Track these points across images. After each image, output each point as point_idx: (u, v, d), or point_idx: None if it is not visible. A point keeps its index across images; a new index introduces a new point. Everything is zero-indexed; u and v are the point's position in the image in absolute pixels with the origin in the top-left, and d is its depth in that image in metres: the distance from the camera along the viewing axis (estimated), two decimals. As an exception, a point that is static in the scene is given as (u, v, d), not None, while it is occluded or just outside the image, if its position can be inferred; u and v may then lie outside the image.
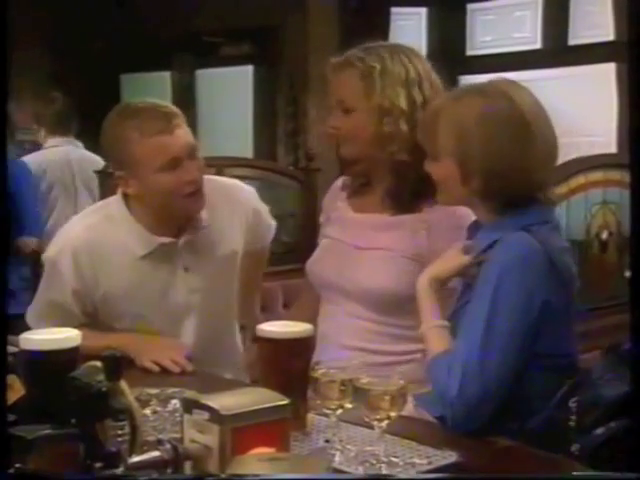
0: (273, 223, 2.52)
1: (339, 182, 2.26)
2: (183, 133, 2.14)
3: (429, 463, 1.46)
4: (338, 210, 2.19)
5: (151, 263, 2.21)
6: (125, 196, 2.23)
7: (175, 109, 2.18)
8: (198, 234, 2.24)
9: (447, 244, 1.87)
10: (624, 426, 1.55)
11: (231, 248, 2.32)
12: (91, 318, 2.23)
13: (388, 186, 2.07)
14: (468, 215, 1.87)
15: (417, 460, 1.47)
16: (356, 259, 2.07)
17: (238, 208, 2.35)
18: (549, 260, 1.68)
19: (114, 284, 2.20)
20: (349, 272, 2.06)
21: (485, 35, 5.36)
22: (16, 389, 1.44)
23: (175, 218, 2.22)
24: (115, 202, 2.26)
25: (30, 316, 2.26)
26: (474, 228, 1.85)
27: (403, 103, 2.00)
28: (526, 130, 1.72)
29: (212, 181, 2.29)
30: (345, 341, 2.05)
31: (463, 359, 1.64)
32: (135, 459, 1.20)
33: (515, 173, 1.71)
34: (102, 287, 2.19)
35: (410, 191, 2.04)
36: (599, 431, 1.58)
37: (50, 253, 2.23)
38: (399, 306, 2.00)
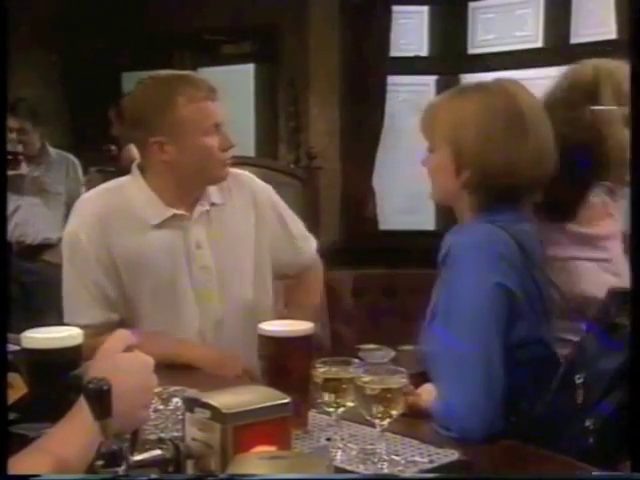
0: (309, 236, 2.52)
1: None
2: (221, 105, 2.26)
3: (430, 462, 1.47)
4: None
5: (164, 235, 2.24)
6: (141, 169, 2.28)
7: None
8: (211, 210, 2.28)
9: None
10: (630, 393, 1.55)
11: (244, 230, 2.34)
12: (126, 301, 2.24)
13: None
14: None
15: (418, 459, 1.48)
16: None
17: (252, 196, 2.37)
18: (517, 244, 1.70)
19: (129, 251, 2.21)
20: None
21: (487, 33, 5.36)
22: (17, 387, 1.44)
23: (196, 188, 2.26)
24: (131, 175, 2.30)
25: (68, 312, 2.25)
26: None
27: None
28: (521, 127, 1.74)
29: None
30: None
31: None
32: (136, 457, 1.20)
33: (506, 167, 1.73)
34: (120, 254, 2.21)
35: None
36: (609, 399, 1.58)
37: (70, 227, 2.27)
38: None
